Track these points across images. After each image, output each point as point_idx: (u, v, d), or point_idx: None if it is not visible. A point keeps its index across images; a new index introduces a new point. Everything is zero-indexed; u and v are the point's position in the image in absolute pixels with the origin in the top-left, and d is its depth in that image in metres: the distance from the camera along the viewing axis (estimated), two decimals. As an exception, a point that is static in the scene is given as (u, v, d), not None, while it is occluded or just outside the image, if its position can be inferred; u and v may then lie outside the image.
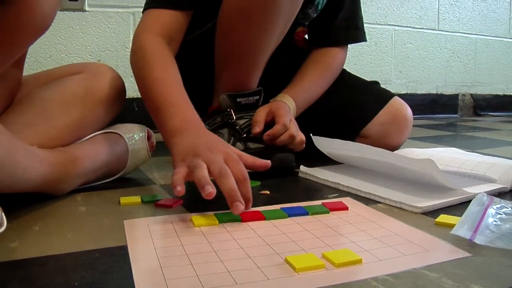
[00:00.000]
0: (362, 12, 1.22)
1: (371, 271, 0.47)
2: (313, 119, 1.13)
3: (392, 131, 1.14)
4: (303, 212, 0.66)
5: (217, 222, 0.61)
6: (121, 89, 0.92)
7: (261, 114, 0.98)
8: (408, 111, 1.16)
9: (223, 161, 0.67)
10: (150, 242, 0.55)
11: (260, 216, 0.63)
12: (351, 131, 1.15)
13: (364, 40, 1.24)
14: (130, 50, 0.92)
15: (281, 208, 0.67)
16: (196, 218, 0.62)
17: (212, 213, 0.64)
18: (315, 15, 1.14)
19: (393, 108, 1.16)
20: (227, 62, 0.98)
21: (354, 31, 1.21)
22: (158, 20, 0.92)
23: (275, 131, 0.94)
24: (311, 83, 1.14)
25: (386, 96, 1.18)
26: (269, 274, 0.46)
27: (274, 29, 0.92)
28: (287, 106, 1.03)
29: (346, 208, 0.68)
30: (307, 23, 1.16)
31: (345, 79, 1.24)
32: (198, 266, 0.47)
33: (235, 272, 0.46)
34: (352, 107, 1.17)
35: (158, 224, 0.62)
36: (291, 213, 0.65)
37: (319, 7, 1.12)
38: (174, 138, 0.74)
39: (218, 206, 0.68)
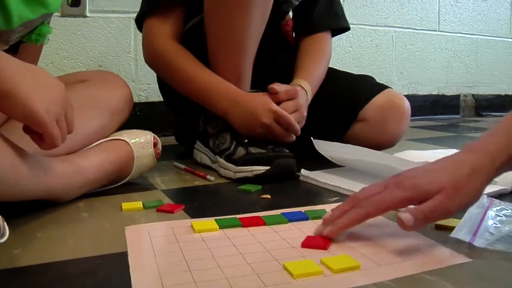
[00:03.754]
0: (364, 13, 1.24)
1: (371, 276, 0.47)
2: (312, 103, 1.13)
3: (390, 115, 1.15)
4: (303, 217, 0.66)
5: (218, 227, 0.62)
6: (128, 96, 0.92)
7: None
8: (406, 100, 1.18)
9: None
10: (150, 248, 0.55)
11: (260, 222, 0.63)
12: (349, 113, 1.16)
13: (346, 26, 1.27)
14: (146, 55, 1.10)
15: (281, 213, 0.67)
16: (197, 223, 0.62)
17: (212, 218, 0.64)
18: (297, 2, 1.16)
19: (391, 94, 1.18)
20: (218, 53, 1.00)
21: (335, 18, 1.25)
22: (161, 24, 1.05)
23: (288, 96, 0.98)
24: (315, 67, 1.16)
25: (383, 85, 1.22)
26: (266, 281, 0.46)
27: (252, 11, 0.94)
28: (305, 92, 1.05)
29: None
30: (290, 10, 1.19)
31: (341, 73, 1.27)
32: (196, 273, 0.48)
33: (233, 279, 0.46)
34: (350, 90, 1.20)
35: (159, 230, 0.62)
36: (292, 218, 0.65)
37: None
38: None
39: (219, 211, 0.68)
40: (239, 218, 0.64)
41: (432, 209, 0.51)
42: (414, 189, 0.53)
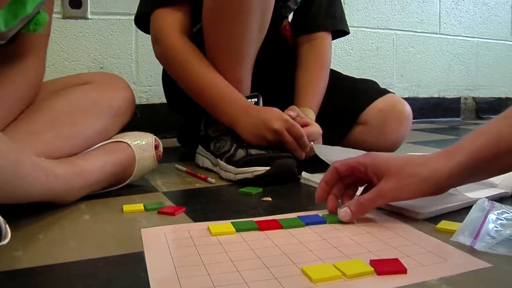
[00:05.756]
0: (365, 16, 1.25)
1: (387, 282, 0.46)
2: None
3: (391, 119, 1.15)
4: (321, 220, 0.65)
5: (234, 230, 0.61)
6: (130, 98, 0.92)
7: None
8: (407, 105, 1.18)
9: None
10: (167, 251, 0.55)
11: (277, 225, 0.63)
12: (349, 115, 1.16)
13: (344, 29, 1.27)
14: (159, 50, 1.05)
15: (297, 216, 0.67)
16: (213, 226, 0.62)
17: (229, 221, 0.64)
18: (295, 7, 1.18)
19: (393, 99, 1.18)
20: (216, 60, 1.00)
21: (332, 20, 1.24)
22: (173, 18, 1.03)
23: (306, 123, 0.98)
24: (317, 87, 1.16)
25: (385, 89, 1.22)
26: (286, 285, 0.46)
27: (250, 19, 0.94)
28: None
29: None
30: (288, 15, 1.20)
31: (344, 76, 1.27)
32: (215, 277, 0.47)
33: (253, 283, 0.46)
34: (352, 93, 1.21)
35: (175, 232, 0.62)
36: (308, 221, 0.65)
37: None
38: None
39: (220, 213, 0.68)
40: (256, 221, 0.64)
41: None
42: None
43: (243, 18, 0.93)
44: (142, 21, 1.11)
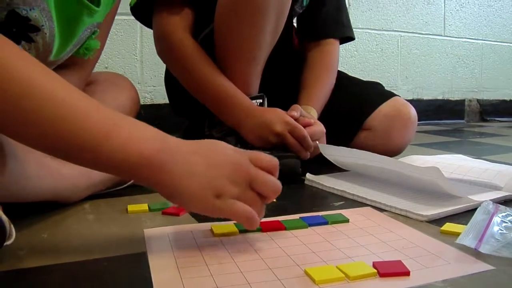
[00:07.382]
0: (370, 17, 1.24)
1: (390, 284, 0.47)
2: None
3: (397, 124, 1.14)
4: (323, 221, 0.66)
5: (238, 231, 0.61)
6: (135, 98, 0.92)
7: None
8: (412, 109, 1.17)
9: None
10: (170, 251, 0.55)
11: (280, 226, 0.63)
12: (355, 121, 1.16)
13: (351, 36, 1.26)
14: (162, 48, 1.03)
15: (300, 217, 0.67)
16: (217, 227, 0.62)
17: (232, 222, 0.64)
18: (301, 11, 1.17)
19: (397, 103, 1.17)
20: (226, 61, 0.99)
21: (340, 27, 1.23)
22: (179, 16, 1.01)
23: (309, 123, 0.96)
24: (322, 88, 1.16)
25: (390, 93, 1.21)
26: (289, 286, 0.46)
27: (264, 22, 0.93)
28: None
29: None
30: (293, 19, 1.20)
31: (349, 78, 1.26)
32: (219, 278, 0.47)
33: (256, 284, 0.46)
34: (356, 98, 1.19)
35: (178, 233, 0.62)
36: (311, 222, 0.65)
37: (304, 3, 1.16)
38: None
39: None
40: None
41: None
42: None
43: (257, 20, 0.93)
44: (141, 11, 1.09)
